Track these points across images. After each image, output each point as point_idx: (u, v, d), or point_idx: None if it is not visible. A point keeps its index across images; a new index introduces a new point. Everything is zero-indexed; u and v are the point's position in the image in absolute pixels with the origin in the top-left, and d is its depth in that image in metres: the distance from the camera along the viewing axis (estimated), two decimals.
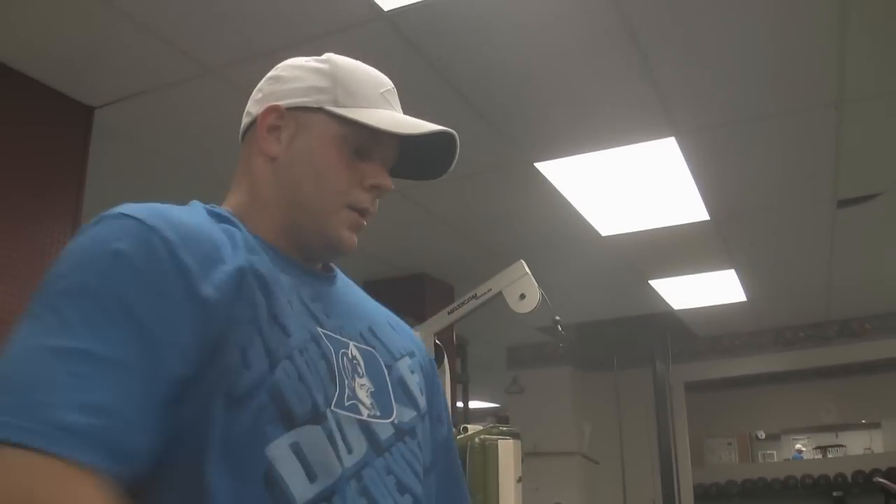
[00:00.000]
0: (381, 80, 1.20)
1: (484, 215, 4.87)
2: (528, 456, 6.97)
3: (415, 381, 1.22)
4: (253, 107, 1.19)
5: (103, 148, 3.52)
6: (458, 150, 1.19)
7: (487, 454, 2.75)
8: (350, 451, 1.01)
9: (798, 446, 13.39)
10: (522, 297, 3.73)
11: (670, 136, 3.85)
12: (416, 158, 1.22)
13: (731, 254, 5.76)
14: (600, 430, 8.59)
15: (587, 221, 4.94)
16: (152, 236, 0.93)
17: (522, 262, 3.77)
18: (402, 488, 1.08)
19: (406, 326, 1.35)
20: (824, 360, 8.53)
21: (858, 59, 3.30)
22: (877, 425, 12.80)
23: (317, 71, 1.16)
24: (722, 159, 4.17)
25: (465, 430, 2.86)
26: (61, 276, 0.91)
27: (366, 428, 1.06)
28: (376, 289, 6.26)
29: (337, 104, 1.13)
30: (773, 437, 13.73)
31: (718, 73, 3.37)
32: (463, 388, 6.23)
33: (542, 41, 3.10)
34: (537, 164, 4.13)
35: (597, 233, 5.14)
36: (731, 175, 4.39)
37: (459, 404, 6.14)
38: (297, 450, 0.95)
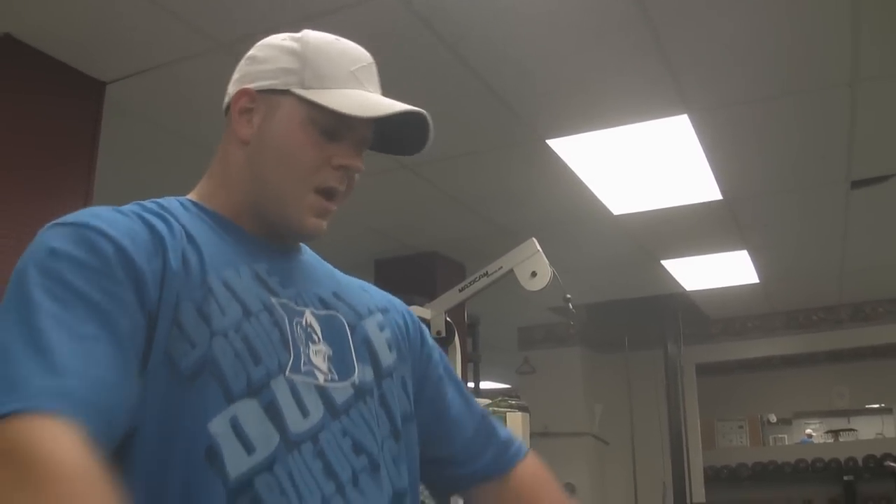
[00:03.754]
0: (355, 57, 1.20)
1: (495, 193, 4.86)
2: (539, 436, 6.98)
3: (383, 338, 1.24)
4: (231, 87, 1.21)
5: (115, 123, 3.53)
6: (430, 128, 1.19)
7: None
8: (306, 415, 1.05)
9: (808, 431, 13.40)
10: (534, 274, 3.73)
11: (683, 113, 3.83)
12: (395, 135, 1.22)
13: (744, 234, 5.74)
14: (611, 411, 8.60)
15: (599, 200, 4.93)
16: (83, 230, 0.99)
17: (534, 239, 3.77)
18: (359, 449, 1.10)
19: (383, 292, 1.38)
20: (836, 344, 8.50)
21: (872, 38, 3.27)
22: (889, 410, 12.80)
23: (288, 51, 1.17)
24: (735, 138, 4.14)
25: None
26: (16, 281, 0.96)
27: (322, 393, 1.09)
28: (387, 267, 6.29)
29: (304, 86, 1.14)
30: (785, 421, 13.76)
31: (731, 51, 3.34)
32: (474, 367, 6.22)
33: (554, 17, 3.08)
34: (549, 141, 4.12)
35: (609, 211, 5.13)
36: (744, 154, 4.37)
37: (471, 384, 6.14)
38: (235, 424, 0.99)
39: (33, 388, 0.83)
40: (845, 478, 10.28)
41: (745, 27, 3.17)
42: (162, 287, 1.00)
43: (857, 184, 4.80)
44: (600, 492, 8.53)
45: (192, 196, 1.20)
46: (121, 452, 0.93)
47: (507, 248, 3.83)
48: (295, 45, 1.18)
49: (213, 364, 0.99)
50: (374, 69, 1.22)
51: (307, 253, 1.28)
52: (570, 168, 4.44)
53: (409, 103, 1.18)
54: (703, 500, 8.49)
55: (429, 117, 1.18)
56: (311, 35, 1.19)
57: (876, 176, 4.72)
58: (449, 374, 1.38)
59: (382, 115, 1.13)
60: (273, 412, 1.02)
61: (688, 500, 7.81)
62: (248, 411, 1.00)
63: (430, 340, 1.39)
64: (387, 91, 1.24)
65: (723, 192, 4.84)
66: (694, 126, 3.96)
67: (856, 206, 5.18)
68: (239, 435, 0.98)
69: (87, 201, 3.28)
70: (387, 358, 1.23)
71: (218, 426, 0.97)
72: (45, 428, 0.81)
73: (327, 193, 1.15)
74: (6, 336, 0.88)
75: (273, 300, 1.10)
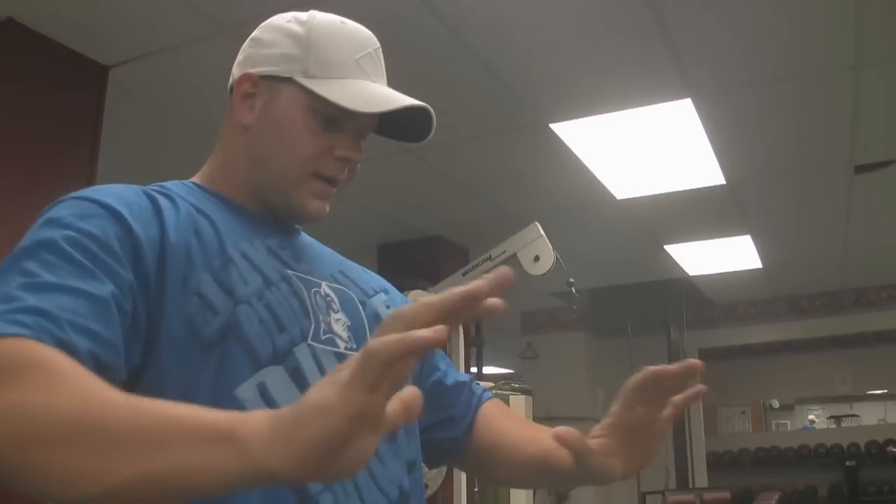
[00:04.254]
0: (361, 43, 1.19)
1: (498, 177, 4.85)
2: (542, 420, 6.98)
3: None
4: (235, 69, 1.21)
5: (118, 108, 3.53)
6: (433, 120, 1.20)
7: None
8: None
9: (811, 417, 13.41)
10: (537, 258, 3.74)
11: (686, 97, 3.82)
12: (398, 121, 1.22)
13: (747, 219, 5.73)
14: (614, 395, 8.55)
15: (602, 184, 4.92)
16: (81, 201, 1.02)
17: (537, 224, 3.78)
18: None
19: (377, 275, 1.40)
20: (839, 330, 8.49)
21: (876, 22, 3.26)
22: (892, 396, 12.81)
23: (292, 35, 1.16)
24: (738, 122, 4.14)
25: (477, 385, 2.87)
26: (19, 248, 0.96)
27: (343, 360, 1.10)
28: (390, 251, 6.30)
29: (307, 75, 1.13)
30: (787, 407, 13.77)
31: (735, 35, 3.33)
32: (477, 352, 6.23)
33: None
34: (552, 126, 4.10)
35: (612, 196, 5.12)
36: (748, 138, 4.36)
37: (473, 369, 6.15)
38: (263, 390, 1.00)
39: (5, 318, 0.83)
40: (847, 463, 10.30)
41: (748, 11, 3.16)
42: (163, 256, 1.00)
43: (860, 169, 4.79)
44: None
45: (195, 179, 1.21)
46: None
47: (511, 233, 3.84)
48: (299, 29, 1.16)
49: (238, 331, 1.00)
50: (379, 55, 1.21)
51: (305, 236, 1.29)
52: (573, 152, 4.43)
53: (411, 86, 1.18)
54: (706, 485, 8.50)
55: (432, 111, 1.18)
56: (316, 18, 1.18)
57: (879, 161, 4.71)
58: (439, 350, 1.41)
59: (384, 111, 1.14)
60: (299, 379, 1.03)
61: (690, 486, 7.84)
62: (276, 378, 1.01)
63: None
64: (390, 74, 1.24)
65: (726, 176, 4.83)
66: (697, 110, 3.95)
67: (859, 192, 5.17)
68: (268, 401, 0.99)
69: (90, 186, 3.28)
70: None
71: (245, 392, 0.98)
72: (16, 345, 0.81)
73: (328, 179, 1.16)
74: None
75: (289, 272, 1.12)
